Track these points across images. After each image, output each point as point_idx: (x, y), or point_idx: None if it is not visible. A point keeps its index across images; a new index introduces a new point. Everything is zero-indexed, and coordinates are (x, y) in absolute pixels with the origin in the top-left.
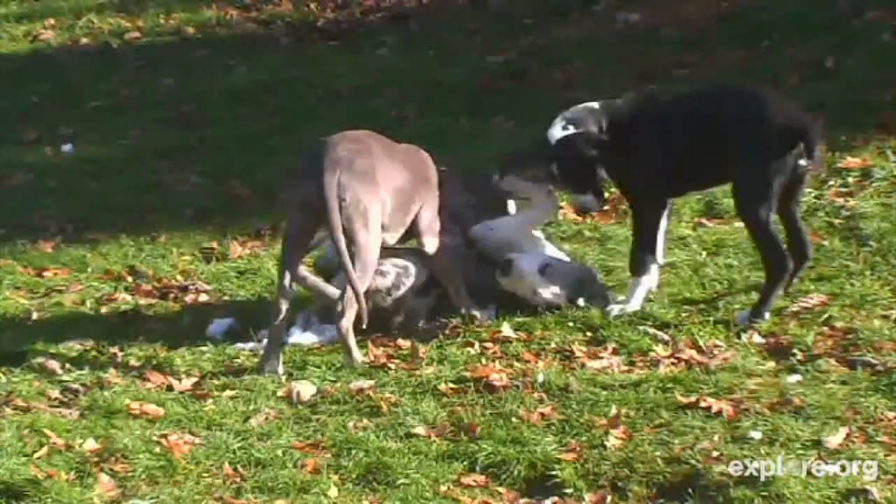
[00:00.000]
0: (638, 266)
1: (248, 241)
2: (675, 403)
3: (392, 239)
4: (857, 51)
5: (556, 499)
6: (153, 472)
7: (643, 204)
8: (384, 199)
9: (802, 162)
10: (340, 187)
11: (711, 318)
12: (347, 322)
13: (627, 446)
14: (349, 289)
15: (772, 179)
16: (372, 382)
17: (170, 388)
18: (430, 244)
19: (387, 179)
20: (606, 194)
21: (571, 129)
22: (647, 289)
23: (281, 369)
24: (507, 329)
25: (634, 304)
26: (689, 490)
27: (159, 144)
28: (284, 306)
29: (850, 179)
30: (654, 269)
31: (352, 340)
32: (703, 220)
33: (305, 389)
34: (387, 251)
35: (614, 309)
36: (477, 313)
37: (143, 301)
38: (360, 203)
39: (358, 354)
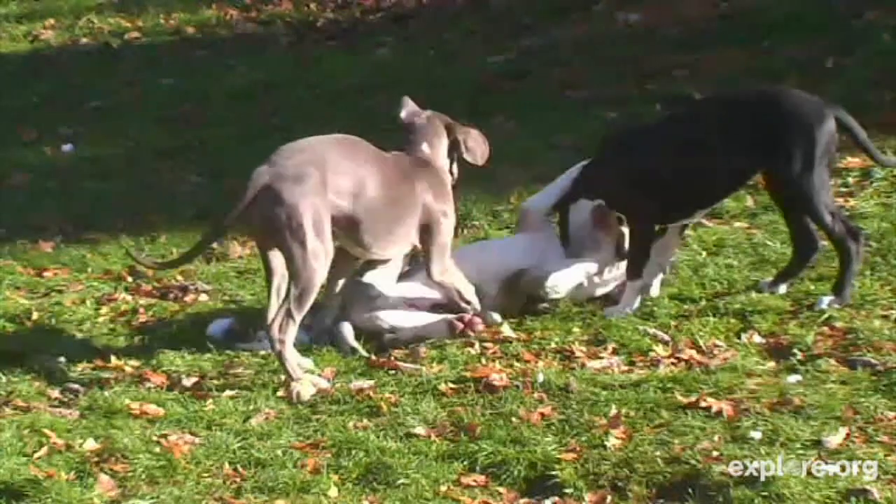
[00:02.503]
0: (633, 270)
1: (248, 241)
2: (675, 403)
3: (384, 254)
4: (857, 51)
5: (556, 499)
6: (153, 472)
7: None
8: (342, 210)
9: None
10: (268, 203)
11: (711, 318)
12: (280, 346)
13: (627, 446)
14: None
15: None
16: (372, 382)
17: (170, 388)
18: (436, 266)
19: (345, 188)
20: None
21: None
22: (641, 291)
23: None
24: (506, 329)
25: (631, 306)
26: (689, 490)
27: (159, 144)
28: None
29: (850, 179)
30: (659, 277)
31: (291, 363)
32: (703, 220)
33: (305, 389)
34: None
35: (612, 311)
36: (496, 317)
37: (143, 301)
38: (293, 218)
39: (300, 374)
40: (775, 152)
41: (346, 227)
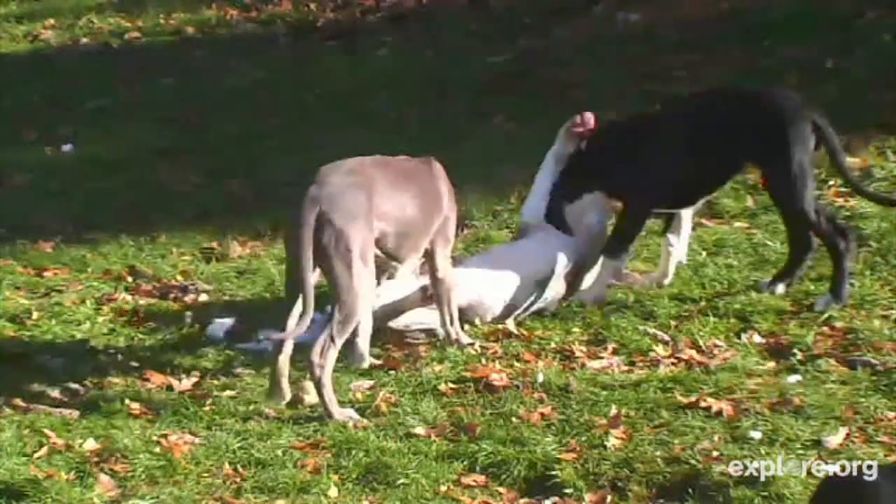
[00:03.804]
0: (613, 249)
1: (248, 241)
2: (675, 403)
3: (412, 263)
4: (857, 51)
5: (556, 499)
6: (153, 472)
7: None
8: (384, 232)
9: None
10: (318, 226)
11: (711, 318)
12: (320, 371)
13: (627, 446)
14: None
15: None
16: (372, 382)
17: (170, 388)
18: (443, 265)
19: (389, 212)
20: None
21: None
22: (612, 274)
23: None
24: (510, 324)
25: (600, 289)
26: (689, 490)
27: (159, 144)
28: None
29: None
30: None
31: (328, 392)
32: (703, 220)
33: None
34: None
35: (587, 296)
36: (465, 340)
37: (143, 301)
38: (340, 242)
39: (336, 408)
40: (755, 151)
41: (388, 247)
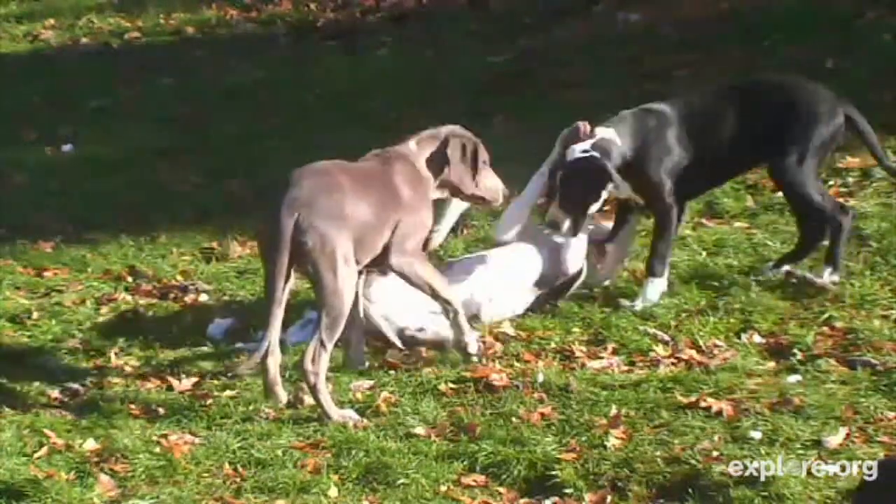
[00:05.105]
0: (655, 267)
1: (248, 241)
2: (675, 403)
3: (363, 264)
4: (857, 51)
5: (556, 499)
6: (153, 472)
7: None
8: (355, 236)
9: None
10: (299, 229)
11: (711, 318)
12: (315, 378)
13: (627, 446)
14: (314, 341)
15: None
16: (372, 382)
17: (170, 388)
18: (396, 261)
19: (356, 215)
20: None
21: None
22: (664, 288)
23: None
24: (507, 327)
25: (652, 301)
26: (689, 490)
27: (159, 144)
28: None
29: (850, 179)
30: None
31: (325, 396)
32: (703, 220)
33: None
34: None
35: (637, 304)
36: (471, 343)
37: (143, 301)
38: (326, 245)
39: (335, 411)
40: (776, 140)
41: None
